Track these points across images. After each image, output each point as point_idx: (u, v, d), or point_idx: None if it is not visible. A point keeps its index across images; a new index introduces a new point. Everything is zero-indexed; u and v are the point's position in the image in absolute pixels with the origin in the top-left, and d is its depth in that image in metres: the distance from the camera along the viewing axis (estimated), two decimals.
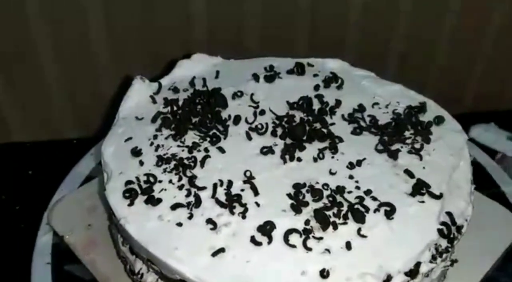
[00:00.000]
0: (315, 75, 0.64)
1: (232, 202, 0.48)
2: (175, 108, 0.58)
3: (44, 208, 0.65)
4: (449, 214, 0.48)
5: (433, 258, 0.46)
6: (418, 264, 0.45)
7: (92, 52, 0.80)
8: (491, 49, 0.90)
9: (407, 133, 0.56)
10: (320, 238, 0.45)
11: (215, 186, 0.49)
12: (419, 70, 0.90)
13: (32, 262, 0.59)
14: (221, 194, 0.48)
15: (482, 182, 0.67)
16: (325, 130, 0.55)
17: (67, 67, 0.82)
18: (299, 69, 0.64)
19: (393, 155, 0.53)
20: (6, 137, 0.87)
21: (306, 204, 0.47)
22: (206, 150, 0.53)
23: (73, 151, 0.85)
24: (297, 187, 0.49)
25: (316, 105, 0.59)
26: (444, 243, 0.47)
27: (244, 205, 0.47)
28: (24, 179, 0.82)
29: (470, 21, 0.86)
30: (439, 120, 0.58)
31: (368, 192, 0.49)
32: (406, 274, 0.45)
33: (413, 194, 0.49)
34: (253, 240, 0.45)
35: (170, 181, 0.50)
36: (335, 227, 0.46)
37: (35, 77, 0.82)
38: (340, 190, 0.49)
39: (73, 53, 0.80)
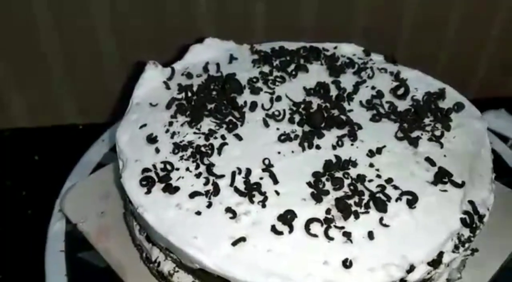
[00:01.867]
0: (331, 60, 0.62)
1: (251, 190, 0.47)
2: (189, 94, 0.56)
3: (50, 193, 0.64)
4: (471, 203, 0.48)
5: (456, 247, 0.46)
6: (440, 254, 0.44)
7: (98, 37, 0.79)
8: (499, 35, 0.89)
9: (426, 121, 0.55)
10: (342, 227, 0.44)
11: (233, 174, 0.48)
12: (427, 57, 0.89)
13: (45, 250, 0.58)
14: (239, 182, 0.48)
15: (497, 169, 0.66)
16: (343, 117, 0.54)
17: (72, 52, 0.80)
18: (314, 54, 0.63)
19: (414, 143, 0.52)
20: (10, 123, 0.86)
21: (327, 192, 0.47)
22: (223, 137, 0.52)
23: (78, 136, 0.85)
24: (317, 175, 0.48)
25: (333, 92, 0.58)
26: (466, 232, 0.46)
27: (263, 194, 0.47)
28: (30, 165, 0.81)
29: (479, 7, 0.85)
30: (458, 107, 0.57)
31: (389, 181, 0.48)
32: (429, 264, 0.44)
33: (435, 183, 0.48)
34: (274, 229, 0.44)
35: (187, 169, 0.49)
36: (357, 216, 0.45)
37: (39, 62, 0.81)
38: (361, 178, 0.48)
39: (78, 38, 0.79)
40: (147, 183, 0.48)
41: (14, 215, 0.73)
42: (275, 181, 0.48)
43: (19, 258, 0.66)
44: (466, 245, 0.46)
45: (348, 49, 0.66)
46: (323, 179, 0.48)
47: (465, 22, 0.86)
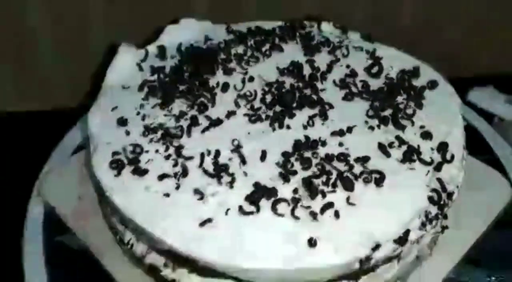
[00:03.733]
0: (307, 39, 0.62)
1: (219, 171, 0.47)
2: (161, 76, 0.56)
3: (34, 178, 0.64)
4: (439, 180, 0.48)
5: (423, 225, 0.46)
6: (407, 232, 0.45)
7: (85, 19, 0.78)
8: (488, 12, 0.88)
9: (399, 99, 0.54)
10: (309, 207, 0.44)
11: (202, 156, 0.48)
12: (415, 35, 0.88)
13: (23, 233, 0.59)
14: (208, 164, 0.48)
15: (477, 146, 0.66)
16: (315, 97, 0.54)
17: (59, 37, 0.80)
18: (290, 33, 0.62)
19: (384, 121, 0.52)
20: None
21: (295, 172, 0.47)
22: (193, 118, 0.52)
23: (66, 120, 0.84)
24: (286, 155, 0.48)
25: (307, 71, 0.57)
26: (434, 210, 0.47)
27: (231, 175, 0.47)
28: (16, 149, 0.81)
29: None
30: (432, 84, 0.56)
31: (357, 160, 0.48)
32: (395, 241, 0.44)
33: (403, 161, 0.48)
34: (241, 209, 0.44)
35: (157, 151, 0.49)
36: (324, 195, 0.45)
37: (26, 46, 0.80)
38: (329, 157, 0.48)
39: (66, 24, 0.78)
40: (116, 165, 0.48)
41: None
42: (244, 162, 0.48)
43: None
44: (434, 223, 0.47)
45: (326, 28, 0.65)
46: (292, 159, 0.48)
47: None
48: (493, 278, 0.56)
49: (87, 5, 0.77)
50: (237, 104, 0.53)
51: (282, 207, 0.45)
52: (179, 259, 0.47)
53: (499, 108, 0.84)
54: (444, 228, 0.51)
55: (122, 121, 0.52)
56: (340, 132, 0.50)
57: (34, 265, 0.55)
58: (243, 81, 0.56)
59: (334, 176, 0.46)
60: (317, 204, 0.45)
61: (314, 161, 0.48)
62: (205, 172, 0.47)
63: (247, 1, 0.80)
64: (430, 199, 0.46)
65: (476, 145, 0.63)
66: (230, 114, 0.52)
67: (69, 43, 0.81)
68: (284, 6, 0.81)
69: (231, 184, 0.46)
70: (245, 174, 0.47)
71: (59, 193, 0.61)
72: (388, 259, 0.47)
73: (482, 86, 0.87)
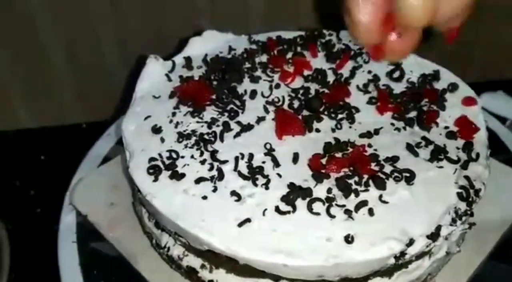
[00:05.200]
0: (328, 47, 0.64)
1: (254, 174, 0.49)
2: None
3: (58, 191, 0.66)
4: (467, 178, 0.49)
5: (453, 221, 0.47)
6: (439, 227, 0.46)
7: (99, 38, 0.81)
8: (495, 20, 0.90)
9: (422, 102, 0.56)
10: (343, 206, 0.46)
11: (236, 159, 0.50)
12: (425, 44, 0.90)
13: (58, 242, 0.60)
14: (243, 167, 0.49)
15: (495, 148, 0.68)
16: (341, 102, 0.56)
17: (73, 52, 0.82)
18: (311, 42, 0.64)
19: (410, 123, 0.54)
20: (14, 124, 0.88)
21: (328, 173, 0.48)
22: (225, 124, 0.54)
23: (83, 135, 0.86)
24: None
25: (330, 77, 0.59)
26: (463, 206, 0.48)
27: (266, 176, 0.48)
28: (37, 164, 0.83)
29: None
30: (453, 87, 0.58)
31: (387, 160, 0.50)
32: (428, 237, 0.46)
33: (431, 160, 0.50)
34: (277, 209, 0.46)
35: (192, 156, 0.51)
36: (357, 194, 0.47)
37: (41, 64, 0.82)
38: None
39: (80, 39, 0.80)
40: (154, 171, 0.50)
41: (23, 214, 0.75)
42: (277, 164, 0.49)
43: (30, 256, 0.68)
44: (463, 219, 0.48)
45: (345, 36, 0.67)
46: (324, 160, 0.50)
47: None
48: None
49: (98, 20, 0.79)
50: (266, 110, 0.55)
51: (318, 206, 0.46)
52: (217, 260, 0.48)
53: (510, 112, 0.86)
54: (471, 224, 0.53)
55: (156, 129, 0.54)
56: (368, 134, 0.52)
57: (70, 272, 0.57)
58: (270, 88, 0.58)
59: (366, 176, 0.48)
60: (351, 202, 0.46)
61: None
62: (240, 174, 0.49)
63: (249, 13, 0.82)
64: (459, 195, 0.48)
65: (492, 146, 0.64)
66: (260, 119, 0.54)
67: (81, 60, 0.83)
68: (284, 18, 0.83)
69: (266, 185, 0.48)
70: (279, 175, 0.49)
71: (91, 201, 0.62)
72: (421, 255, 0.48)
73: (491, 91, 0.89)
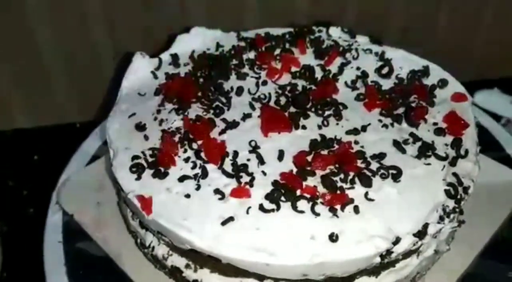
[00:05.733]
0: (317, 43, 0.63)
1: (238, 171, 0.48)
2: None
3: (51, 191, 0.65)
4: (455, 175, 0.48)
5: (441, 218, 0.46)
6: (426, 225, 0.45)
7: (92, 35, 0.80)
8: (492, 17, 0.89)
9: (411, 97, 0.55)
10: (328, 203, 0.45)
11: (221, 157, 0.49)
12: (421, 38, 0.89)
13: (43, 241, 0.59)
14: (227, 165, 0.49)
15: (488, 145, 0.67)
16: (328, 98, 0.55)
17: (68, 52, 0.81)
18: (300, 38, 0.63)
19: (398, 119, 0.53)
20: (9, 124, 0.87)
21: (313, 170, 0.47)
22: (210, 121, 0.53)
23: (76, 134, 0.86)
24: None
25: (318, 74, 0.59)
26: (451, 203, 0.47)
27: (251, 174, 0.48)
28: (30, 164, 0.82)
29: None
30: (442, 83, 0.57)
31: (373, 157, 0.49)
32: (414, 235, 0.45)
33: (419, 157, 0.49)
34: (261, 207, 0.45)
35: (176, 154, 0.50)
36: (342, 191, 0.46)
37: (36, 64, 0.82)
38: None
39: (73, 37, 0.79)
40: (137, 169, 0.49)
41: (16, 214, 0.75)
42: (262, 162, 0.49)
43: (22, 255, 0.67)
44: (452, 216, 0.47)
45: (334, 32, 0.66)
46: (309, 158, 0.49)
47: (458, 3, 0.87)
48: (510, 273, 0.56)
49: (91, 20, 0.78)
50: (252, 107, 0.54)
51: (302, 204, 0.45)
52: (201, 259, 0.47)
53: (506, 109, 0.85)
54: (460, 222, 0.52)
55: (140, 127, 0.53)
56: (355, 131, 0.51)
57: (55, 272, 0.56)
58: (257, 85, 0.57)
59: (352, 173, 0.47)
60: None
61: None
62: (224, 172, 0.48)
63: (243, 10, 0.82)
64: (447, 192, 0.47)
65: (486, 143, 0.63)
66: (246, 116, 0.53)
67: (77, 60, 0.82)
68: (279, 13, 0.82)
69: (250, 183, 0.47)
70: (264, 173, 0.48)
71: (77, 200, 0.61)
72: (408, 254, 0.47)
73: (487, 88, 0.89)
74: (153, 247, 0.52)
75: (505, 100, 0.88)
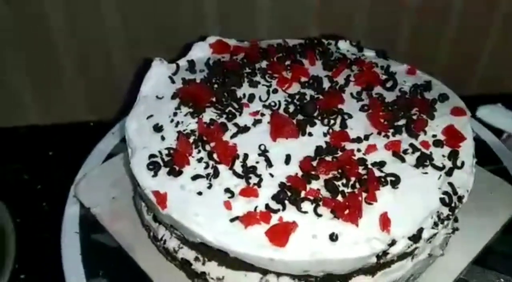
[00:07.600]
0: (326, 55, 0.67)
1: (248, 173, 0.51)
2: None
3: (64, 186, 0.69)
4: (451, 184, 0.52)
5: (435, 224, 0.50)
6: (421, 230, 0.49)
7: (108, 39, 0.84)
8: (498, 33, 0.92)
9: (412, 110, 0.59)
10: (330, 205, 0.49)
11: (232, 158, 0.53)
12: (427, 57, 0.92)
13: (61, 232, 0.63)
14: (237, 166, 0.52)
15: (486, 158, 0.70)
16: (334, 108, 0.58)
17: (83, 54, 0.85)
18: (310, 50, 0.67)
19: (399, 130, 0.56)
20: (25, 120, 0.91)
21: (317, 174, 0.51)
22: (222, 125, 0.56)
23: (90, 132, 0.89)
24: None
25: (326, 84, 0.62)
26: (445, 211, 0.50)
27: (259, 176, 0.51)
28: (45, 160, 0.86)
29: (478, 4, 0.88)
30: (443, 97, 0.61)
31: (374, 164, 0.52)
32: (409, 238, 0.48)
33: (417, 166, 0.52)
34: (267, 207, 0.49)
35: (190, 154, 0.54)
36: (344, 195, 0.49)
37: (53, 65, 0.85)
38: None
39: (89, 40, 0.83)
40: (153, 167, 0.53)
41: (30, 207, 0.78)
42: (270, 165, 0.52)
43: (35, 248, 0.70)
44: (445, 223, 0.50)
45: (343, 45, 0.70)
46: (314, 163, 0.52)
47: (465, 18, 0.90)
48: (501, 280, 0.59)
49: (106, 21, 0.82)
50: (262, 114, 0.58)
51: (306, 205, 0.49)
52: (210, 253, 0.51)
53: (508, 125, 0.88)
54: (455, 229, 0.55)
55: (158, 128, 0.57)
56: (358, 140, 0.55)
57: (72, 260, 0.60)
58: (268, 93, 0.61)
59: (353, 178, 0.50)
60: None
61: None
62: (235, 173, 0.51)
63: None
64: (442, 200, 0.50)
65: (484, 157, 0.66)
66: (257, 122, 0.57)
67: (91, 62, 0.86)
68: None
69: (258, 184, 0.50)
70: (271, 175, 0.51)
71: (94, 195, 0.65)
72: (403, 256, 0.50)
73: (490, 103, 0.91)
74: (165, 240, 0.55)
75: (508, 116, 0.90)
